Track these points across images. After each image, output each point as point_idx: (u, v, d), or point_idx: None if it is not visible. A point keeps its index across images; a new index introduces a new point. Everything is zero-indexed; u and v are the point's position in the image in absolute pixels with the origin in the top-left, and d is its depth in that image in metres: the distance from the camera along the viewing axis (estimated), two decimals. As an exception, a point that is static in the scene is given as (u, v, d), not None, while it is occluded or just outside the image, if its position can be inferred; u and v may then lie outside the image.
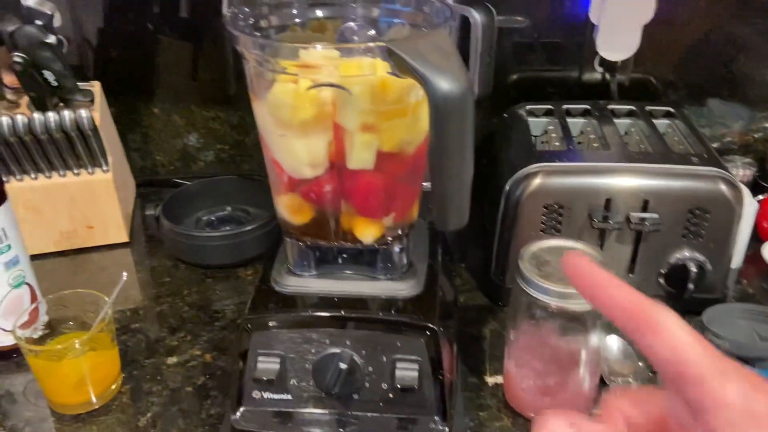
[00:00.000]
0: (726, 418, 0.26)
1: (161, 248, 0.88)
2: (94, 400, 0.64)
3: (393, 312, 0.53)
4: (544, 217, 0.70)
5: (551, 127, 0.84)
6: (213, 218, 0.92)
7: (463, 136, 0.43)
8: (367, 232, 0.53)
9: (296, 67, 0.46)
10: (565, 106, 0.85)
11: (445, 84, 0.41)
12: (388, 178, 0.51)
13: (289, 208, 0.53)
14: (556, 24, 0.92)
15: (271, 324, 0.52)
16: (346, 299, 0.54)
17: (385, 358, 0.51)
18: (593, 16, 0.85)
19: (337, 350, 0.51)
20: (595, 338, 0.58)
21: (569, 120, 0.83)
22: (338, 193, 0.51)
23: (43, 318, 0.66)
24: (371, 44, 0.44)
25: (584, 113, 0.85)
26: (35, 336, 0.65)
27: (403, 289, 0.55)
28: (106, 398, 0.65)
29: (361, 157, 0.48)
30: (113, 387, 0.66)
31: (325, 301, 0.54)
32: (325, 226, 0.53)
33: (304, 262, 0.57)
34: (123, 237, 0.88)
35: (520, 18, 0.93)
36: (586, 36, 0.90)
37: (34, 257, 0.84)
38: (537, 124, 0.85)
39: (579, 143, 0.82)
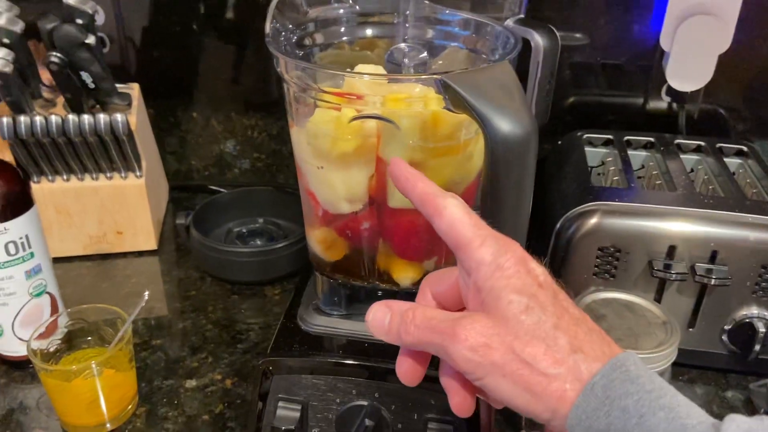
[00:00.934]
0: (483, 273, 0.33)
1: (189, 258, 0.85)
2: (108, 424, 0.60)
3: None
4: (598, 260, 0.64)
5: (610, 159, 0.78)
6: (244, 230, 0.89)
7: (522, 184, 0.38)
8: (405, 275, 0.48)
9: (339, 96, 0.42)
10: (626, 137, 0.78)
11: (505, 125, 0.36)
12: (433, 219, 0.46)
13: (322, 243, 0.49)
14: (621, 46, 0.86)
15: (293, 368, 0.48)
16: (376, 345, 0.49)
17: (416, 416, 0.46)
18: (664, 42, 0.79)
19: (363, 402, 0.47)
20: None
21: (630, 152, 0.77)
22: (376, 232, 0.46)
23: (62, 330, 0.63)
24: (424, 76, 0.39)
25: (647, 146, 0.78)
26: (51, 349, 0.62)
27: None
28: (120, 420, 0.61)
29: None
30: (129, 408, 0.62)
31: (354, 346, 0.50)
32: (360, 264, 0.49)
33: (334, 298, 0.52)
34: (152, 244, 0.86)
35: (579, 35, 0.88)
36: (654, 61, 0.84)
37: (61, 260, 0.82)
38: (594, 154, 0.79)
39: (639, 178, 0.76)
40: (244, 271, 0.80)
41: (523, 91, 0.38)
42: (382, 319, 0.35)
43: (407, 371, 0.37)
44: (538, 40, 0.59)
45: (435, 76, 0.38)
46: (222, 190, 0.96)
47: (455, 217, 0.34)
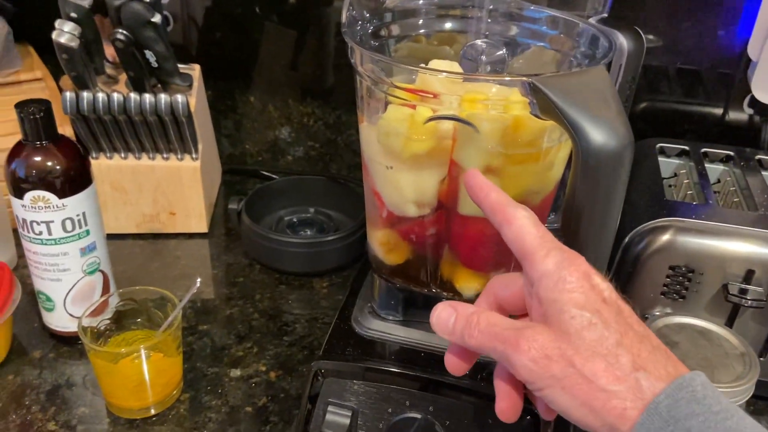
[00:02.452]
0: (545, 285, 0.33)
1: (239, 244, 0.84)
2: (152, 409, 0.60)
3: (487, 382, 0.46)
4: (668, 280, 0.61)
5: (684, 171, 0.74)
6: (295, 219, 0.87)
7: (611, 200, 0.35)
8: (469, 285, 0.45)
9: (414, 93, 0.40)
10: (703, 149, 0.74)
11: (599, 136, 0.33)
12: (504, 229, 0.43)
13: (384, 246, 0.47)
14: (702, 51, 0.80)
15: (346, 372, 0.46)
16: (433, 356, 0.47)
17: (471, 435, 0.44)
18: (752, 51, 0.74)
19: (417, 415, 0.45)
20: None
21: (707, 165, 0.72)
22: (442, 239, 0.44)
23: (112, 309, 0.63)
24: (508, 77, 0.36)
25: (725, 159, 0.74)
26: (101, 327, 0.62)
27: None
28: (164, 405, 0.61)
29: (476, 202, 0.41)
30: (173, 393, 0.62)
31: (410, 355, 0.47)
32: (422, 270, 0.46)
33: (390, 302, 0.50)
34: (203, 227, 0.85)
35: (652, 37, 0.83)
36: (737, 70, 0.79)
37: (114, 237, 0.83)
38: (667, 165, 0.75)
39: (715, 192, 0.71)
40: (293, 261, 0.78)
41: (619, 99, 0.35)
42: (446, 320, 0.36)
43: (453, 364, 0.39)
44: (622, 41, 0.56)
45: (523, 78, 0.35)
46: (274, 176, 0.95)
47: (523, 227, 0.35)
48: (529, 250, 0.34)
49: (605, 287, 0.33)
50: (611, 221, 0.36)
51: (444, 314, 0.36)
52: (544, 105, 0.35)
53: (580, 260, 0.33)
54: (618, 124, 0.34)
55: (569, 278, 0.32)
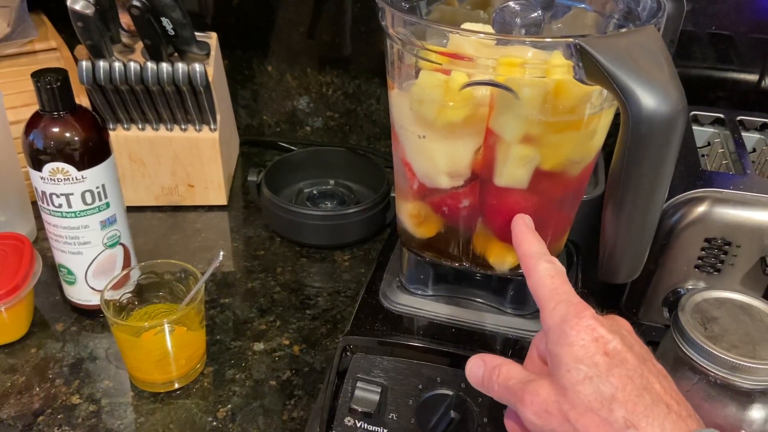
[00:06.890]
0: (550, 338, 0.35)
1: (258, 216, 0.83)
2: (176, 382, 0.60)
3: (518, 358, 0.44)
4: (703, 252, 0.59)
5: (718, 140, 0.71)
6: (315, 191, 0.86)
7: (661, 169, 0.33)
8: (503, 260, 0.44)
9: (443, 56, 0.37)
10: (739, 117, 0.71)
11: (651, 101, 0.31)
12: (542, 201, 0.41)
13: (414, 218, 0.45)
14: (739, 15, 0.77)
15: (375, 348, 0.45)
16: (464, 331, 0.46)
17: (504, 412, 0.43)
18: (795, 12, 0.70)
19: (449, 392, 0.43)
20: (760, 420, 0.48)
21: (743, 134, 0.69)
22: (476, 211, 0.42)
23: (133, 283, 0.62)
24: (549, 39, 0.34)
25: (761, 128, 0.71)
26: (123, 300, 0.61)
27: (534, 330, 0.46)
28: (188, 379, 0.61)
29: (514, 173, 0.39)
30: (197, 367, 0.61)
31: (440, 330, 0.46)
32: (453, 244, 0.45)
33: (420, 276, 0.49)
34: (222, 200, 0.84)
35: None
36: (776, 34, 0.75)
37: (133, 209, 0.82)
38: (700, 134, 0.72)
39: (751, 162, 0.69)
40: (314, 234, 0.77)
41: (672, 62, 0.33)
42: (477, 372, 0.39)
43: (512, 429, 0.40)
44: (662, 3, 0.53)
45: (569, 39, 0.33)
46: (293, 147, 0.94)
47: (540, 279, 0.36)
48: (541, 303, 0.36)
49: (611, 338, 0.33)
50: (660, 192, 0.34)
51: (475, 367, 0.39)
52: (590, 68, 0.33)
53: (585, 313, 0.34)
54: (671, 88, 0.32)
55: (570, 332, 0.33)
